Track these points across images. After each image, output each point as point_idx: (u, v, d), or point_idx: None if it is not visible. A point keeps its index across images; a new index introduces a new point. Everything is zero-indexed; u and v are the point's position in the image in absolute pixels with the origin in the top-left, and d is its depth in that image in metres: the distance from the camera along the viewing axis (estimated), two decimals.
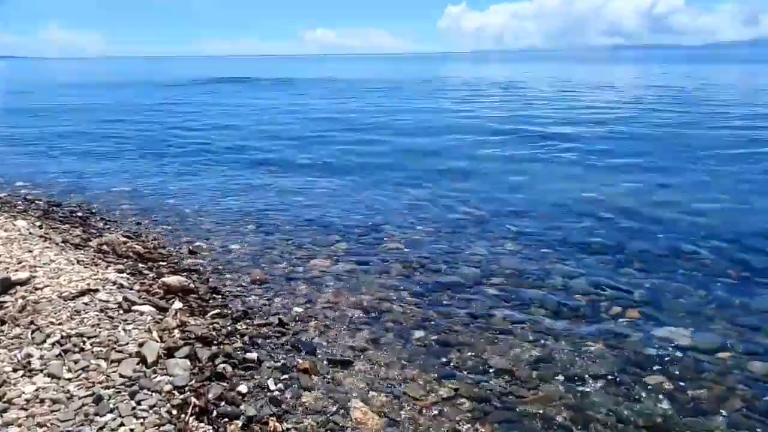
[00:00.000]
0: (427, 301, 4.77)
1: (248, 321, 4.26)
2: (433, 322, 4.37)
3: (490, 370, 3.73)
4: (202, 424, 2.86)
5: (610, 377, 3.62)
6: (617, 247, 5.94)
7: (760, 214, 7.03)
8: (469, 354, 3.92)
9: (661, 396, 3.42)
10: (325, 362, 3.76)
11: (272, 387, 3.38)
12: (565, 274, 5.23)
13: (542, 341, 4.08)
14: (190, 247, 6.04)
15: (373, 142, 13.51)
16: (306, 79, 48.83)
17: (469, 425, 3.17)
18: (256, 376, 3.46)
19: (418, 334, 4.20)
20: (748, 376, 3.62)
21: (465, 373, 3.70)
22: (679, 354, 3.89)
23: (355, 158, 11.50)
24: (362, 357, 3.87)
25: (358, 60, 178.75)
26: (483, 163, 10.75)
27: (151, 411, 2.91)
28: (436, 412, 3.28)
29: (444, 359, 3.87)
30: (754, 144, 11.93)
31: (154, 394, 3.06)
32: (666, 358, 3.83)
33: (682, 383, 3.55)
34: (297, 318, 4.43)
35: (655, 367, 3.72)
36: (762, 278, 5.05)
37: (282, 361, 3.71)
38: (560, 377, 3.64)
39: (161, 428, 2.78)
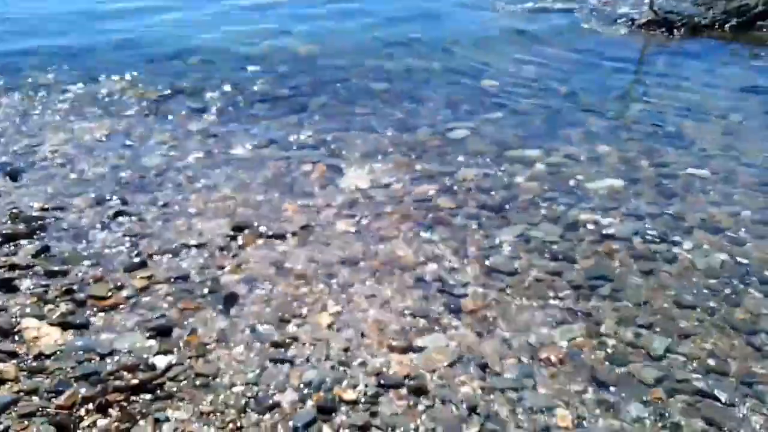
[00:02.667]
0: None
1: None
2: None
3: None
4: None
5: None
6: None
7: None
8: None
9: (348, 241, 3.80)
10: None
11: None
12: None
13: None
14: None
15: None
16: None
17: None
18: None
19: None
20: (417, 198, 4.22)
21: None
22: (359, 195, 4.30)
23: None
24: None
25: None
26: None
27: None
28: None
29: None
30: None
31: None
32: (349, 202, 4.21)
33: (367, 220, 3.99)
34: None
35: (344, 212, 4.09)
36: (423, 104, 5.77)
37: None
38: None
39: None
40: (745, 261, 3.42)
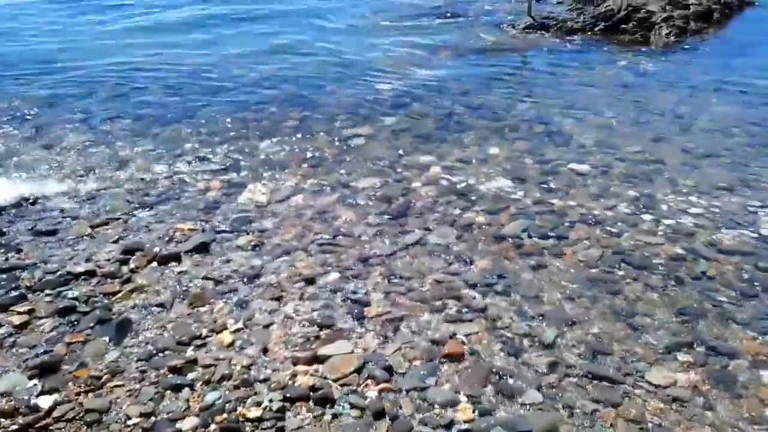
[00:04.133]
0: None
1: None
2: None
3: None
4: None
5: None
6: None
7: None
8: None
9: (247, 257, 3.73)
10: None
11: None
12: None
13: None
14: None
15: None
16: None
17: None
18: None
19: None
20: (318, 210, 4.21)
21: None
22: (257, 211, 4.23)
23: None
24: None
25: None
26: None
27: None
28: None
29: None
30: None
31: None
32: (246, 218, 4.13)
33: (266, 235, 3.93)
34: None
35: (243, 228, 4.00)
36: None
37: None
38: None
39: None
40: (621, 250, 3.71)
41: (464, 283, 3.43)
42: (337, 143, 5.18)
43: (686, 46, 7.82)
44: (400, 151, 5.02)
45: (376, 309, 3.22)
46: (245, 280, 3.47)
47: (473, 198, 4.32)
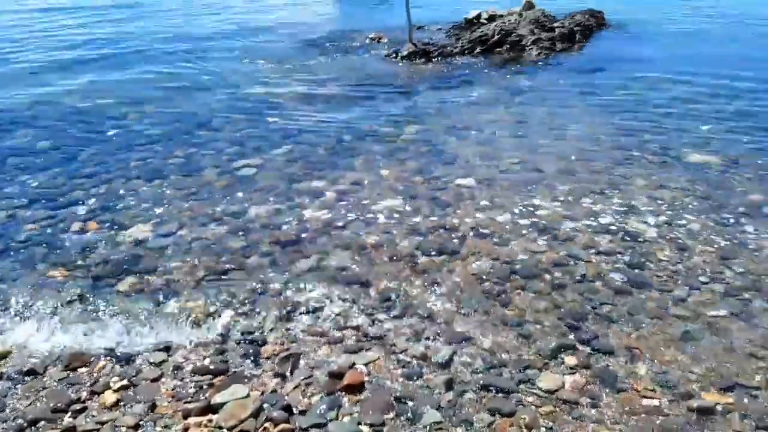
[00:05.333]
0: None
1: None
2: None
3: None
4: None
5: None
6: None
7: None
8: None
9: (130, 302, 3.43)
10: None
11: None
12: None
13: None
14: None
15: None
16: None
17: None
18: None
19: None
20: (206, 244, 3.99)
21: None
22: (140, 251, 3.94)
23: None
24: None
25: None
26: None
27: None
28: None
29: None
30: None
31: None
32: (128, 258, 3.83)
33: (150, 276, 3.64)
34: None
35: (126, 268, 3.69)
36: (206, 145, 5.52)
37: None
38: None
39: None
40: (510, 260, 3.81)
41: (362, 310, 3.35)
42: (226, 176, 4.96)
43: (554, 64, 8.35)
44: (293, 179, 4.90)
45: (273, 347, 3.06)
46: (127, 330, 3.18)
47: (367, 219, 4.28)
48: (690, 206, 4.34)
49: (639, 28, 10.26)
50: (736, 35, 9.60)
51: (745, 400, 2.68)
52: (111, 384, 2.80)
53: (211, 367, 2.92)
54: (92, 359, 2.97)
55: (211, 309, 3.34)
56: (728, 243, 3.88)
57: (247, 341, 3.10)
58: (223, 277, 3.64)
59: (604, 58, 8.50)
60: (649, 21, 10.67)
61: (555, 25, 9.49)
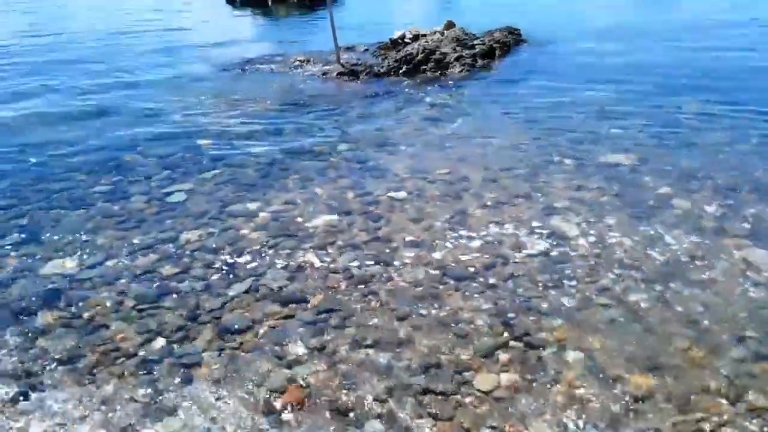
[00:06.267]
0: None
1: None
2: None
3: None
4: None
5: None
6: None
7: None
8: None
9: (57, 337, 3.21)
10: None
11: None
12: None
13: None
14: None
15: None
16: None
17: None
18: None
19: None
20: (137, 272, 3.80)
21: None
22: (65, 283, 3.71)
23: None
24: None
25: None
26: None
27: None
28: None
29: None
30: None
31: None
32: (51, 292, 3.61)
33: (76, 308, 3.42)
34: None
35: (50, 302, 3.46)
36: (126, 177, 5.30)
37: None
38: None
39: None
40: (442, 266, 3.83)
41: (299, 323, 3.28)
42: (155, 202, 4.77)
43: (477, 79, 8.60)
44: (225, 202, 4.77)
45: (209, 368, 2.94)
46: (53, 367, 2.96)
47: (302, 237, 4.22)
48: (607, 204, 4.53)
49: (553, 44, 10.75)
50: (642, 46, 10.24)
51: (667, 379, 2.80)
52: (31, 425, 2.59)
53: (143, 399, 2.75)
54: (5, 400, 2.74)
55: (141, 338, 3.17)
56: (643, 234, 4.07)
57: (179, 365, 2.96)
58: (154, 304, 3.48)
59: (522, 72, 8.83)
60: (563, 38, 11.20)
61: (475, 42, 9.80)
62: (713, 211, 4.34)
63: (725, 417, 2.59)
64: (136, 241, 4.18)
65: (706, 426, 2.55)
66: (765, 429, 2.53)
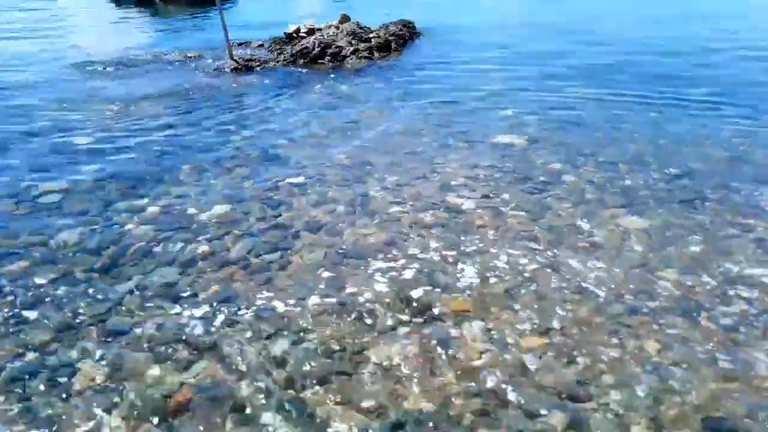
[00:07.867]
0: None
1: None
2: None
3: None
4: None
5: None
6: None
7: None
8: None
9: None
10: None
11: None
12: None
13: None
14: None
15: None
16: None
17: None
18: None
19: None
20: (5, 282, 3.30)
21: None
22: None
23: None
24: None
25: None
26: None
27: None
28: None
29: None
30: None
31: None
32: None
33: None
34: None
35: None
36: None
37: None
38: None
39: None
40: (343, 247, 3.66)
41: (190, 321, 2.98)
42: (25, 203, 4.21)
43: (374, 70, 8.51)
44: (108, 199, 4.30)
45: (88, 378, 2.58)
46: None
47: (195, 229, 3.87)
48: (501, 180, 4.57)
49: (447, 35, 10.91)
50: (531, 36, 10.65)
51: (557, 339, 2.81)
52: None
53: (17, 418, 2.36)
54: None
55: (7, 353, 2.74)
56: (536, 206, 4.13)
57: (55, 381, 2.58)
58: (22, 317, 3.02)
59: (417, 62, 8.86)
60: (456, 29, 11.42)
61: (371, 35, 9.70)
62: (596, 182, 4.51)
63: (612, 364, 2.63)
64: (2, 247, 3.65)
65: (595, 371, 2.58)
66: (647, 368, 2.61)
